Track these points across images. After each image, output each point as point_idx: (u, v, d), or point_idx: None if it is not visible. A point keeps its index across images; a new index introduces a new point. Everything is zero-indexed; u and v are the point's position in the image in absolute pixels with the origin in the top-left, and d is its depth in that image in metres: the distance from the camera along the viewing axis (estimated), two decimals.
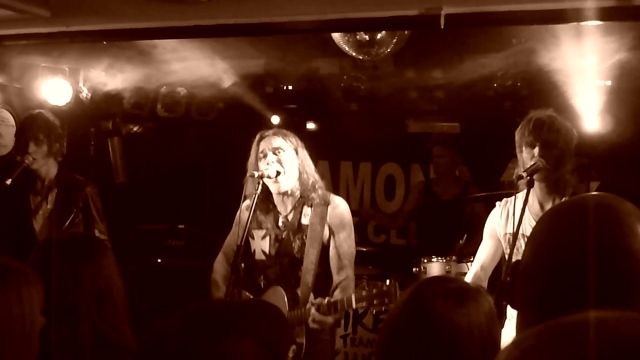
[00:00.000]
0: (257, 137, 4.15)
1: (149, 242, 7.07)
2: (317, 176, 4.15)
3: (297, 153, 4.09)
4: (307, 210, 4.09)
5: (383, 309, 3.81)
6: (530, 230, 3.57)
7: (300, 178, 4.10)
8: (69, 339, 2.33)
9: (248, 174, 4.05)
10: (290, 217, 4.13)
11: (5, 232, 4.82)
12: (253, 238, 4.18)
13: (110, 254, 2.54)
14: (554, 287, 1.33)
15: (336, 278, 4.03)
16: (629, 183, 5.84)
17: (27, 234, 4.74)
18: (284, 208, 4.16)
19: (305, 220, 4.07)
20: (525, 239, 3.58)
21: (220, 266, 4.32)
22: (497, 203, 3.90)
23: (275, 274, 4.12)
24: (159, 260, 6.98)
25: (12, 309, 2.02)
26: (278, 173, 4.01)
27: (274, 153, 4.03)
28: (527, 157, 3.60)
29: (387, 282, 3.74)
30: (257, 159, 4.08)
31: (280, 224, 4.14)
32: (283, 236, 4.11)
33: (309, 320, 3.84)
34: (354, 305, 3.78)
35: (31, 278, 2.11)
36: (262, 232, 4.17)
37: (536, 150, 3.55)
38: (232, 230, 4.34)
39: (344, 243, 4.05)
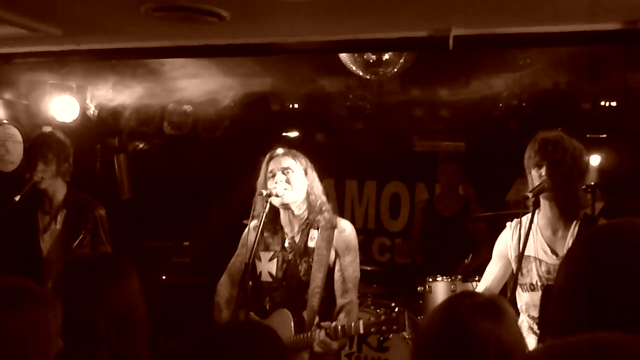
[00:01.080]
0: (267, 157, 4.13)
1: (154, 259, 7.07)
2: (324, 198, 4.14)
3: (306, 174, 4.08)
4: (313, 233, 4.07)
5: (390, 335, 3.79)
6: (542, 252, 3.57)
7: (308, 199, 4.09)
8: (87, 359, 2.32)
9: (257, 193, 4.05)
10: (297, 239, 4.11)
11: (11, 250, 4.81)
12: (260, 260, 4.15)
13: (135, 276, 2.52)
14: (592, 314, 1.31)
15: (340, 301, 4.02)
16: (634, 202, 5.85)
17: (34, 253, 4.72)
18: (291, 229, 4.14)
19: (311, 243, 4.06)
20: (536, 262, 3.60)
21: (224, 289, 4.27)
22: (508, 224, 3.84)
23: (281, 297, 4.09)
24: (164, 277, 6.98)
25: (25, 331, 2.01)
26: (286, 190, 4.01)
27: (283, 173, 4.00)
28: (535, 177, 3.56)
29: (396, 309, 3.78)
30: (266, 179, 4.07)
31: (286, 245, 4.13)
32: (290, 258, 4.10)
33: (314, 343, 3.84)
34: (361, 331, 3.79)
35: (49, 301, 2.10)
36: (269, 254, 4.14)
37: (543, 170, 3.50)
38: (237, 251, 4.31)
39: (349, 267, 4.05)
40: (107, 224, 4.83)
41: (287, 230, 4.15)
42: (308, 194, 4.08)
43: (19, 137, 6.15)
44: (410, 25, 3.54)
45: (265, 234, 4.12)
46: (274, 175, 4.02)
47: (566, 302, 1.37)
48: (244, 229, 4.22)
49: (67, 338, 2.14)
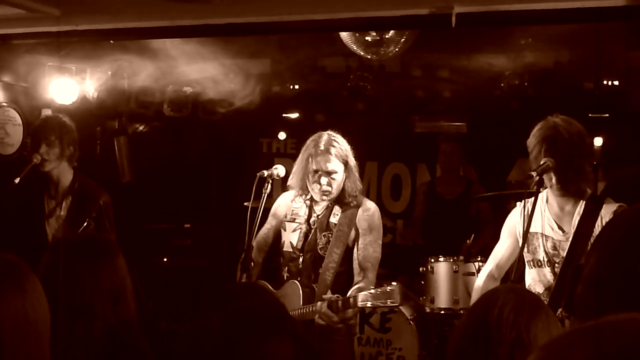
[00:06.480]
0: (311, 148, 4.10)
1: (154, 242, 7.06)
2: (359, 184, 4.18)
3: (345, 167, 4.09)
4: (337, 210, 4.14)
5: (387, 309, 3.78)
6: (548, 228, 3.60)
7: (342, 188, 4.12)
8: (83, 337, 2.33)
9: (297, 190, 4.14)
10: (321, 214, 4.19)
11: (17, 232, 4.79)
12: (285, 230, 4.25)
13: (121, 255, 2.56)
14: (628, 296, 1.27)
15: (356, 279, 4.08)
16: (636, 181, 5.82)
17: (40, 236, 4.71)
18: (319, 206, 4.22)
19: (334, 220, 4.14)
20: (542, 238, 3.63)
21: (255, 254, 4.27)
22: (518, 203, 3.88)
23: (296, 267, 4.18)
24: (165, 260, 6.97)
25: (27, 311, 1.99)
26: (328, 193, 4.07)
27: (328, 176, 4.03)
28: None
29: (393, 283, 3.78)
30: (306, 173, 4.09)
31: (311, 219, 4.20)
32: (311, 231, 4.18)
33: (316, 316, 3.90)
34: (358, 304, 3.80)
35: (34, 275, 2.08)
36: (293, 225, 4.23)
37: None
38: (267, 220, 4.38)
39: (370, 246, 4.09)
40: (112, 210, 4.80)
41: (314, 205, 4.21)
42: (344, 186, 4.11)
43: (19, 120, 6.12)
44: (412, 3, 3.50)
45: (295, 205, 4.21)
46: (319, 177, 4.05)
47: (600, 284, 1.32)
48: (245, 210, 4.24)
49: (61, 318, 2.14)
